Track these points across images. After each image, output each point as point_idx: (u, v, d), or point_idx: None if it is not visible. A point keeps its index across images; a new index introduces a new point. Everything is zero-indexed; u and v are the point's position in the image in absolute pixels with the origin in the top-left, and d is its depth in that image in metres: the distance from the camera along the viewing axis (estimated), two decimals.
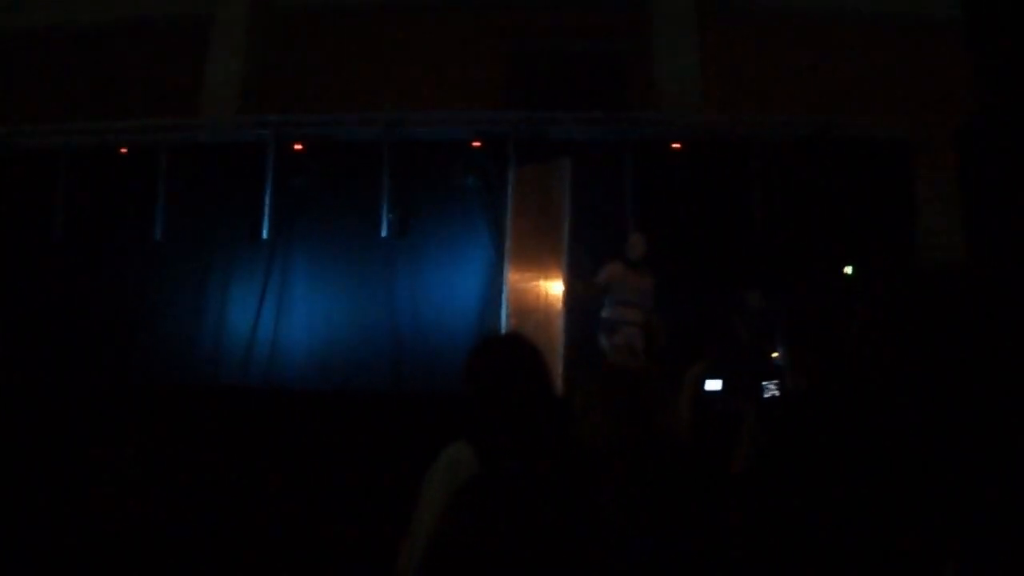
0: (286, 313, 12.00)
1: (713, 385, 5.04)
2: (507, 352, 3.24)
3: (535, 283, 10.48)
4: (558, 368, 9.97)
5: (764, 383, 4.60)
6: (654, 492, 3.81)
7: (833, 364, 4.40)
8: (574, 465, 3.12)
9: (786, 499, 3.90)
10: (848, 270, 10.11)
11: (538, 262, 10.65)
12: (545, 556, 2.20)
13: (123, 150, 12.54)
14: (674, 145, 11.84)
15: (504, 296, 10.85)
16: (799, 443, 4.02)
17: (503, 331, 10.45)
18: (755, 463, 4.25)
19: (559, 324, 10.25)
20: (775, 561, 3.79)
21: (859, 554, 3.51)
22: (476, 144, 11.81)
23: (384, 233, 11.90)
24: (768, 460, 4.13)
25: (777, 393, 4.56)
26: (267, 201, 12.16)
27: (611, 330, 10.10)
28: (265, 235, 12.16)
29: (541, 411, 3.09)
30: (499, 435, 3.02)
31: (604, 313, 10.14)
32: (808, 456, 3.92)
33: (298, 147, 12.16)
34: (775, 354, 5.00)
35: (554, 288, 10.36)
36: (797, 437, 4.05)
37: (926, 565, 3.38)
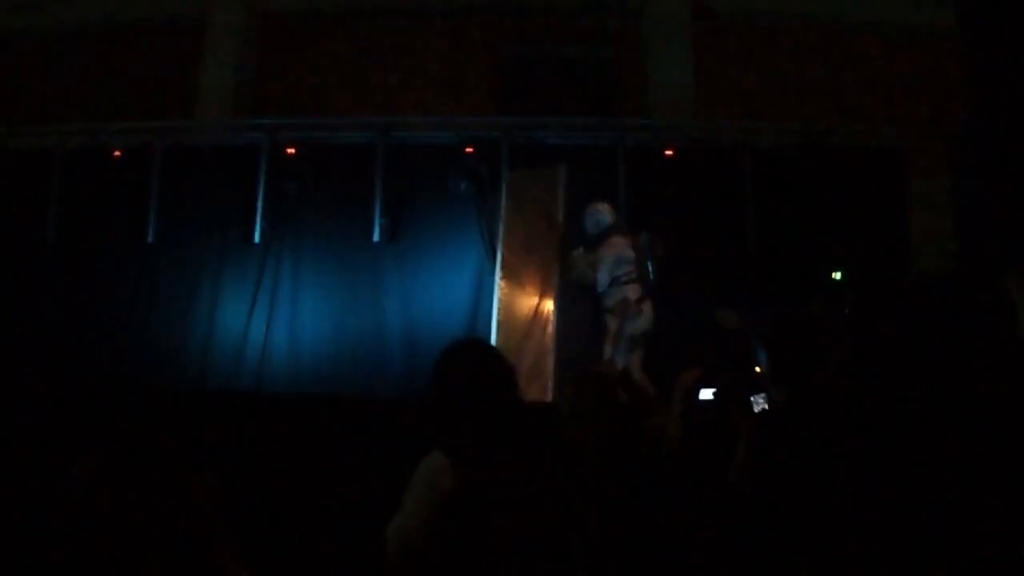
0: (277, 317, 11.96)
1: (706, 394, 5.00)
2: (468, 361, 3.21)
3: (528, 289, 10.44)
4: (549, 373, 9.95)
5: (752, 397, 4.56)
6: (641, 499, 3.80)
7: (816, 373, 4.39)
8: (553, 474, 3.11)
9: (776, 509, 3.89)
10: (837, 275, 10.03)
11: (530, 268, 10.62)
12: (519, 569, 2.20)
13: (116, 152, 12.52)
14: (667, 152, 11.83)
15: (496, 301, 10.82)
16: (788, 454, 4.01)
17: (490, 337, 10.42)
18: (751, 475, 4.24)
19: (551, 331, 10.22)
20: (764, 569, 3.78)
21: (851, 560, 3.50)
22: (469, 149, 11.78)
23: (376, 238, 11.90)
24: (761, 471, 4.12)
25: (766, 407, 4.52)
26: (259, 204, 12.16)
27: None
28: (257, 239, 12.15)
29: (506, 418, 3.07)
30: (468, 445, 3.01)
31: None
32: (797, 466, 3.91)
33: (290, 151, 12.13)
34: (758, 368, 4.98)
35: (547, 294, 10.33)
36: (786, 448, 4.04)
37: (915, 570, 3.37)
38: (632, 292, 9.39)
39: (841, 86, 13.36)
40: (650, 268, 9.49)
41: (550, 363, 10.01)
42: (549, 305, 10.31)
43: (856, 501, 3.56)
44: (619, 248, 9.50)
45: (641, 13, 13.78)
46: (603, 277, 9.55)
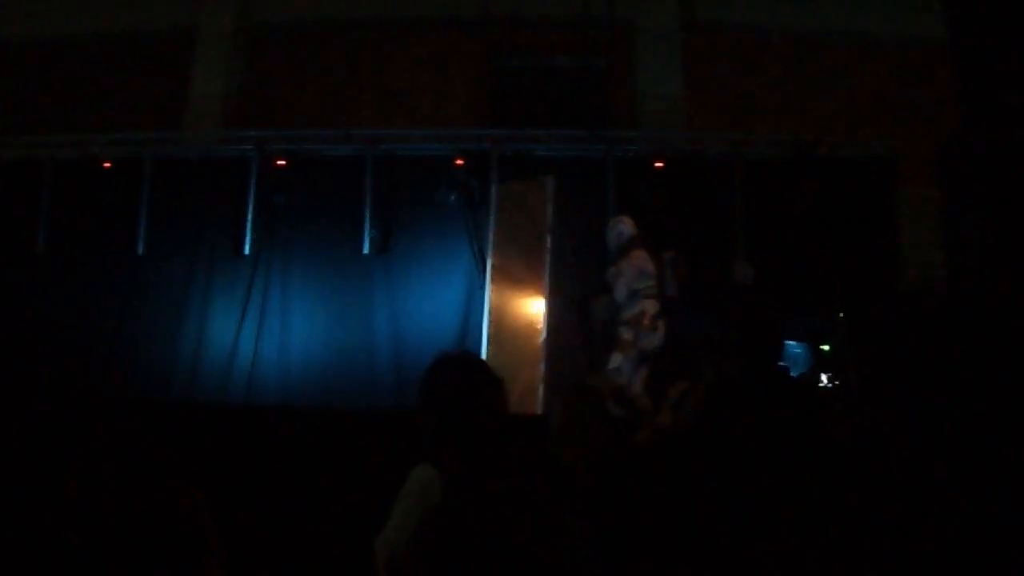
0: (266, 329, 11.94)
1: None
2: (457, 373, 3.20)
3: (517, 301, 10.44)
4: (539, 385, 9.93)
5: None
6: (631, 511, 3.78)
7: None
8: (543, 485, 3.11)
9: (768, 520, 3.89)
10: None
11: (520, 280, 10.62)
12: None
13: (106, 164, 12.51)
14: (656, 163, 11.84)
15: (486, 313, 10.80)
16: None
17: (480, 349, 10.40)
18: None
19: (540, 342, 10.22)
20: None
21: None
22: (459, 161, 11.76)
23: (366, 250, 11.91)
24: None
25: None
26: (249, 216, 12.16)
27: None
28: (247, 250, 12.15)
29: (494, 430, 3.06)
30: (456, 457, 3.01)
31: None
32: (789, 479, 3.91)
33: (281, 162, 12.12)
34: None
35: (536, 305, 10.33)
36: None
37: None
38: (651, 307, 9.30)
39: (830, 97, 13.39)
40: (670, 286, 9.46)
41: (540, 375, 10.00)
42: (539, 316, 10.31)
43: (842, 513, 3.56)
44: (641, 262, 9.41)
45: (632, 26, 13.81)
46: (621, 289, 9.49)
